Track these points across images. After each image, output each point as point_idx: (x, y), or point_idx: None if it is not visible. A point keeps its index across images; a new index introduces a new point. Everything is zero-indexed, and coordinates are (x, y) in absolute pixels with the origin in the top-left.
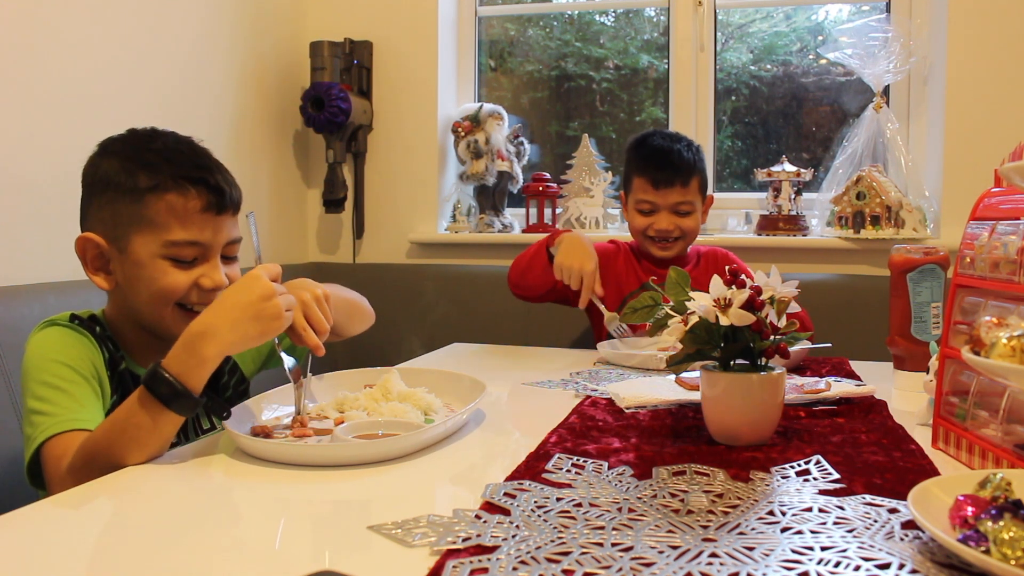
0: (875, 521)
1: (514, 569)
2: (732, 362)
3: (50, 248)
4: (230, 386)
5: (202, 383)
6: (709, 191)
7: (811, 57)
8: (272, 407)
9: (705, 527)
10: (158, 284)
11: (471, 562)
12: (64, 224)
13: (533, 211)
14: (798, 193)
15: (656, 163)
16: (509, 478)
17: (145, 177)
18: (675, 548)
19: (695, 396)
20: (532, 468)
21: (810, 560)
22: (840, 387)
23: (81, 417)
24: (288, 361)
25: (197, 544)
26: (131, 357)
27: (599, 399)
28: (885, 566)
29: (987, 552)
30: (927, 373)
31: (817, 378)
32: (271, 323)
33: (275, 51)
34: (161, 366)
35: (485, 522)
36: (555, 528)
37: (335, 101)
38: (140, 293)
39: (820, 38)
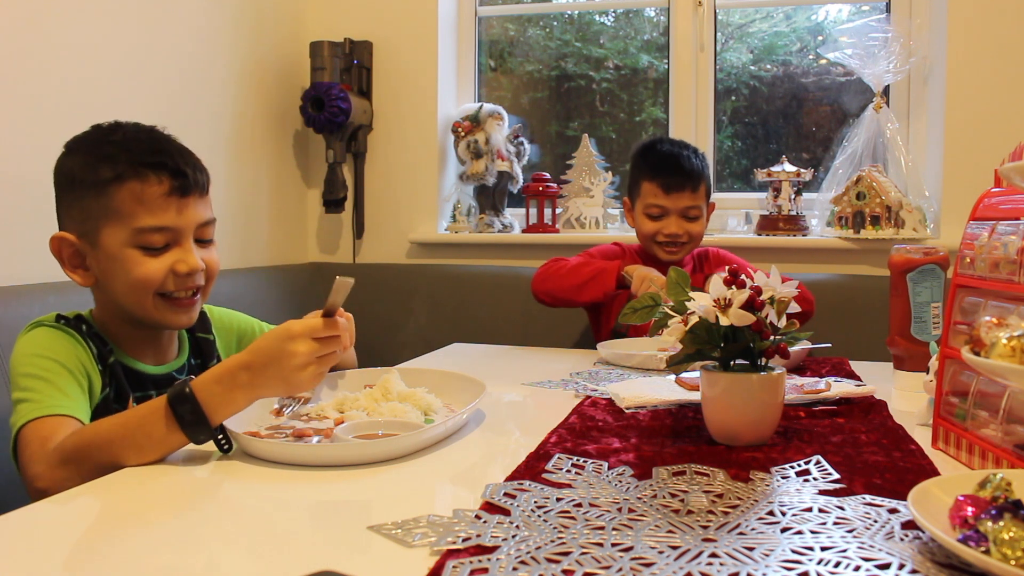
0: (875, 521)
1: (514, 569)
2: (732, 362)
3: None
4: None
5: (223, 419)
6: (711, 198)
7: (811, 57)
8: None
9: (705, 527)
10: (132, 275)
11: (471, 562)
12: None
13: (533, 211)
14: (798, 193)
15: (667, 168)
16: (509, 478)
17: (106, 169)
18: (675, 548)
19: (695, 396)
20: (532, 468)
21: (810, 560)
22: (840, 387)
23: (64, 404)
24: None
25: (197, 544)
26: (122, 351)
27: (599, 399)
28: (885, 566)
29: (987, 552)
30: (927, 373)
31: (817, 378)
32: (296, 389)
33: (275, 51)
34: (191, 388)
35: (485, 522)
36: (555, 528)
37: (335, 101)
38: (117, 286)
39: (820, 38)
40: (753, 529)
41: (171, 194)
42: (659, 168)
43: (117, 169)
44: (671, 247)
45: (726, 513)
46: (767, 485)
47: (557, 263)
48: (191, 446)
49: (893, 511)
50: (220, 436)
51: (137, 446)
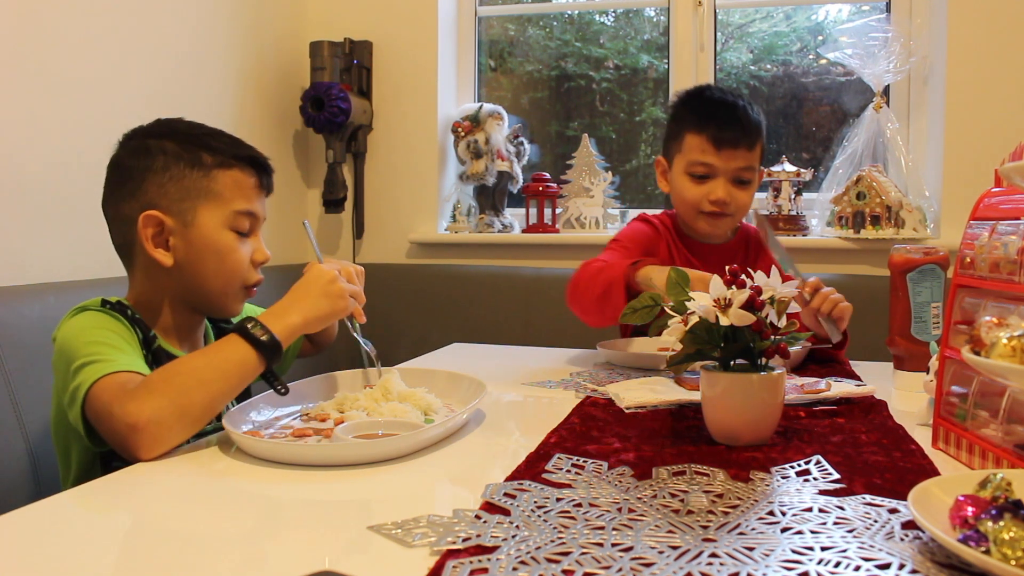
0: (875, 521)
1: (514, 569)
2: (732, 362)
3: (50, 248)
4: None
5: (288, 342)
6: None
7: (811, 57)
8: (272, 407)
9: (705, 527)
10: (229, 258)
11: (471, 562)
12: (64, 224)
13: (533, 211)
14: (798, 193)
15: (720, 119)
16: (509, 478)
17: (209, 155)
18: (675, 548)
19: (695, 396)
20: (532, 468)
21: (810, 560)
22: (840, 387)
23: (134, 363)
24: (367, 345)
25: (196, 544)
26: (163, 338)
27: (599, 399)
28: (885, 566)
29: (987, 552)
30: (927, 373)
31: (817, 378)
32: (338, 301)
33: (275, 51)
34: (253, 318)
35: (485, 522)
36: (555, 528)
37: (335, 101)
38: (208, 265)
39: (820, 38)
40: (753, 529)
41: (260, 187)
42: (710, 118)
43: (220, 156)
44: (716, 218)
45: (726, 513)
46: (767, 485)
47: (580, 273)
48: (190, 445)
49: (893, 511)
50: (277, 383)
51: (216, 368)
